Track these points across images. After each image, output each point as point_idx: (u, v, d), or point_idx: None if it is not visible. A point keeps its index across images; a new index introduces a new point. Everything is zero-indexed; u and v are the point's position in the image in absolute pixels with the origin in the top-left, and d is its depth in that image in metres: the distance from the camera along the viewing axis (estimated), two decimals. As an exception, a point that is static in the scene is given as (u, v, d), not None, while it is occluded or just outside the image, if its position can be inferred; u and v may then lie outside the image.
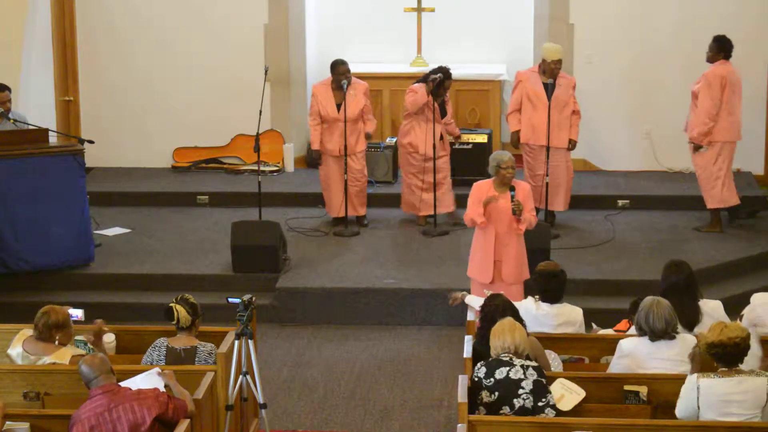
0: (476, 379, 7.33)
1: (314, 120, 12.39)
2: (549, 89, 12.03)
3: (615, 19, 13.64)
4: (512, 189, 9.66)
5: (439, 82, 12.09)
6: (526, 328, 7.64)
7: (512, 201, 9.64)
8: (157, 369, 7.41)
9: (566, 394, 7.43)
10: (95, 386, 6.92)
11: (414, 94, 12.21)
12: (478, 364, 7.39)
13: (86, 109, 14.16)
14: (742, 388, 7.02)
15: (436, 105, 12.18)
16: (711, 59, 11.96)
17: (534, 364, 7.31)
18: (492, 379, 7.27)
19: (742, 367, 7.12)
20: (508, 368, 7.26)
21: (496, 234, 9.77)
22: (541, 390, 7.24)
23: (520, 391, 7.22)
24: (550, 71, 12.05)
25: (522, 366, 7.26)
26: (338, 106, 12.26)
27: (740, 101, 12.08)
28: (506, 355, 7.32)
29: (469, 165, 13.03)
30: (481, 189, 9.81)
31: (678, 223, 12.39)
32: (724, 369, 7.08)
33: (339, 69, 12.25)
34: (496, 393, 7.24)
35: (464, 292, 9.12)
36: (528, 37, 13.96)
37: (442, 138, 12.35)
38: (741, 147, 13.76)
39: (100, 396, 6.88)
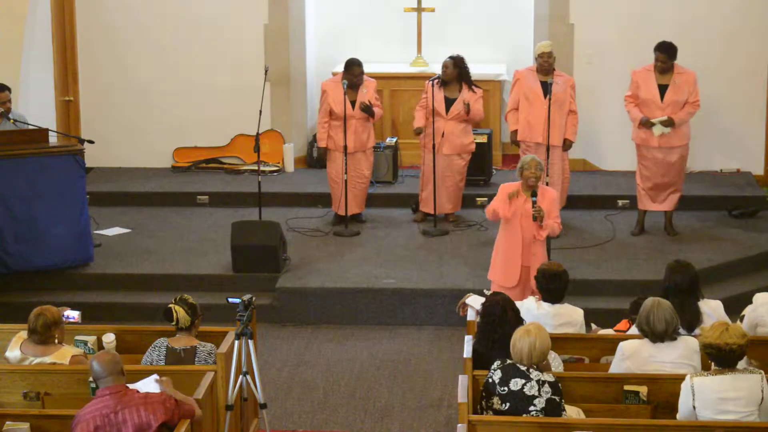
0: (490, 381, 7.29)
1: (324, 117, 12.40)
2: (547, 87, 12.03)
3: (615, 19, 13.64)
4: (534, 195, 9.65)
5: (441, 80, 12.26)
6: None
7: (533, 207, 9.64)
8: (155, 376, 7.38)
9: (574, 416, 7.40)
10: (103, 386, 6.90)
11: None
12: (495, 365, 7.33)
13: (86, 109, 14.16)
14: (735, 385, 7.03)
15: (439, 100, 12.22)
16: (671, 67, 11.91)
17: (551, 379, 7.21)
18: (506, 388, 7.21)
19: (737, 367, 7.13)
20: (523, 381, 7.19)
21: (522, 240, 9.76)
22: (553, 409, 7.16)
23: (531, 408, 7.16)
24: (541, 67, 12.08)
25: (538, 381, 7.18)
26: (352, 104, 12.28)
27: None
28: (524, 365, 7.25)
29: (469, 165, 13.02)
30: (507, 190, 9.82)
31: (678, 223, 12.38)
32: (717, 368, 7.09)
33: (354, 71, 12.26)
34: (507, 404, 7.20)
35: (467, 294, 9.07)
36: (528, 37, 13.96)
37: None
38: (741, 147, 13.81)
39: (107, 397, 6.86)
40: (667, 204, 12.16)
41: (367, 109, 12.30)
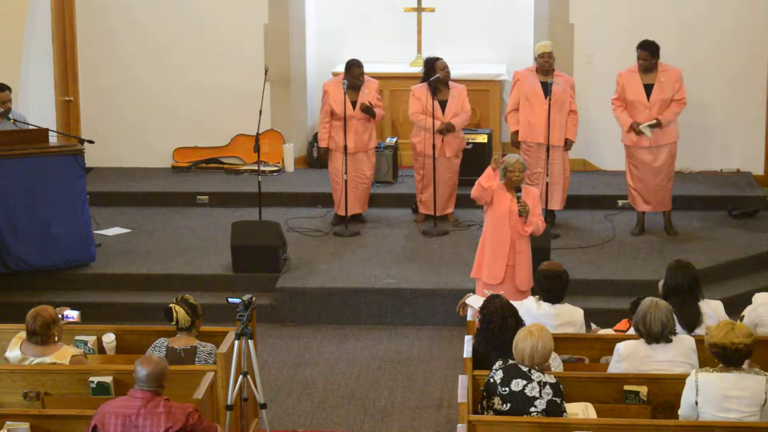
0: (491, 381, 7.28)
1: (325, 118, 12.40)
2: (547, 88, 12.04)
3: (615, 19, 13.64)
4: (518, 190, 9.63)
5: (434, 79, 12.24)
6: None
7: (518, 202, 9.61)
8: None
9: (581, 414, 7.39)
10: (138, 387, 6.91)
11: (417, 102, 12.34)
12: (497, 365, 7.32)
13: (86, 109, 14.16)
14: (740, 384, 7.03)
15: (435, 103, 12.23)
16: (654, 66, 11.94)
17: (552, 380, 7.20)
18: (507, 389, 7.20)
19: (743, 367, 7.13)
20: (525, 382, 7.18)
21: (510, 239, 9.73)
22: (554, 410, 7.16)
23: (532, 409, 7.15)
24: (541, 67, 12.09)
25: (539, 383, 7.17)
26: (353, 104, 12.28)
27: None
28: (525, 366, 7.24)
29: (469, 165, 13.03)
30: (490, 170, 9.81)
31: (678, 223, 12.38)
32: (722, 366, 7.10)
33: (354, 71, 12.26)
34: (508, 404, 7.19)
35: (467, 294, 9.04)
36: (528, 37, 13.96)
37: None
38: (741, 147, 13.82)
39: (137, 399, 6.88)
40: (660, 205, 12.17)
41: (368, 110, 12.31)
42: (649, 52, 11.87)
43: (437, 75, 12.25)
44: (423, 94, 12.29)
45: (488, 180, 9.73)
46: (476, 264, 10.00)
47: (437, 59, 12.36)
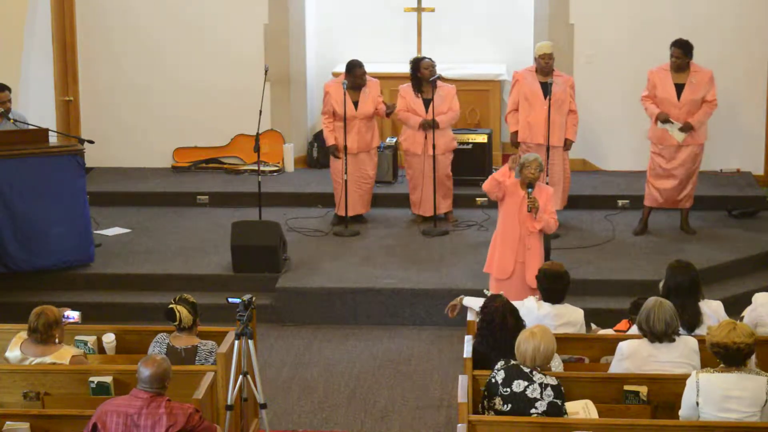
0: (493, 381, 7.28)
1: (328, 118, 12.40)
2: (547, 88, 12.04)
3: (615, 19, 13.64)
4: (530, 186, 9.69)
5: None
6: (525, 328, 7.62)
7: (528, 197, 9.67)
8: None
9: (581, 412, 7.39)
10: (140, 387, 6.91)
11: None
12: (499, 365, 7.33)
13: (86, 109, 14.16)
14: (741, 384, 7.03)
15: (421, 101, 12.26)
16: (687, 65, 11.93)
17: (554, 382, 7.20)
18: (508, 389, 7.21)
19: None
20: (526, 383, 7.18)
21: (520, 235, 9.80)
22: (555, 413, 7.16)
23: (533, 411, 7.15)
24: (541, 68, 12.09)
25: (541, 384, 7.18)
26: (355, 105, 12.28)
27: None
28: (527, 367, 7.24)
29: (469, 165, 13.03)
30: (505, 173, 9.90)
31: (678, 223, 12.38)
32: (724, 366, 7.10)
33: (357, 72, 12.27)
34: (509, 405, 7.20)
35: (461, 296, 9.04)
36: (528, 37, 13.96)
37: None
38: (741, 147, 13.82)
39: (139, 399, 6.87)
40: (682, 203, 12.16)
41: (390, 110, 12.37)
42: (682, 50, 11.85)
43: (438, 74, 12.27)
44: (409, 93, 12.34)
45: (503, 176, 9.80)
46: (488, 258, 10.11)
47: (422, 59, 12.39)
